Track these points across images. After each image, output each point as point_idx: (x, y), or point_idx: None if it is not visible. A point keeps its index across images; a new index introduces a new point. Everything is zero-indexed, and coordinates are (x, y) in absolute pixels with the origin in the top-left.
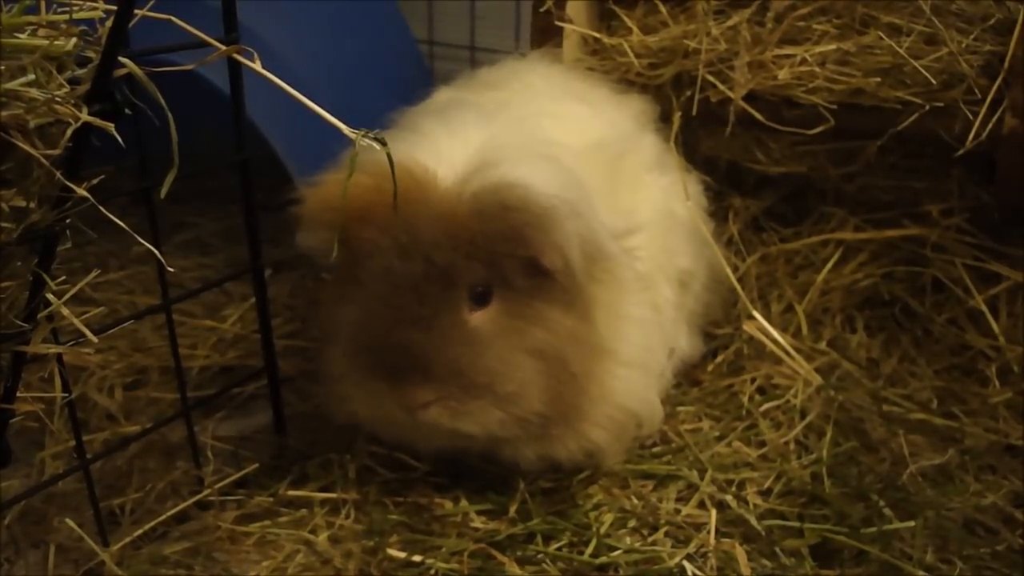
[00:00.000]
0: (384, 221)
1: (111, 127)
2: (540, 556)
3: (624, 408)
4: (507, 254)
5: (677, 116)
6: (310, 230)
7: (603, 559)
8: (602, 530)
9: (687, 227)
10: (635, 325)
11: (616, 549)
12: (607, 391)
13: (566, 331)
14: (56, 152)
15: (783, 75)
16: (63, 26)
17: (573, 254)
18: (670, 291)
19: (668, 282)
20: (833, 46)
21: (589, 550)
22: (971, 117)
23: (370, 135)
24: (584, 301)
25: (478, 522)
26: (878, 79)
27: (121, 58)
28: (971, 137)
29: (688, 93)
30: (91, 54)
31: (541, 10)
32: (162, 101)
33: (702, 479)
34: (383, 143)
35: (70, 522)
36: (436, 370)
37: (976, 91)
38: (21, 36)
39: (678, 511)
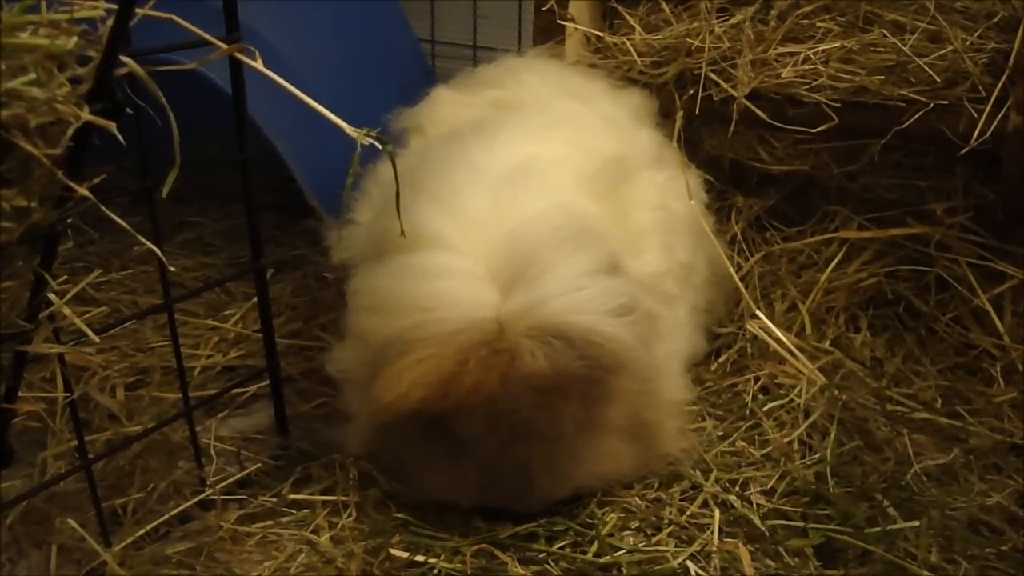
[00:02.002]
0: (486, 412)
1: (112, 126)
2: (543, 556)
3: (677, 403)
4: (587, 384)
5: (680, 115)
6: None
7: (606, 559)
8: (605, 530)
9: (684, 222)
10: (671, 333)
11: (619, 549)
12: (669, 397)
13: (635, 394)
14: (57, 151)
15: (786, 73)
16: (64, 25)
17: (642, 355)
18: (675, 287)
19: (672, 277)
20: (837, 44)
21: (592, 550)
22: (975, 115)
23: (372, 134)
24: (641, 361)
25: (480, 522)
26: (882, 77)
27: (122, 57)
28: (975, 135)
29: (691, 91)
30: (92, 53)
31: (543, 9)
32: (163, 100)
33: (705, 479)
34: (384, 143)
35: (72, 522)
36: (556, 492)
37: (980, 89)
38: (22, 35)
39: (681, 511)
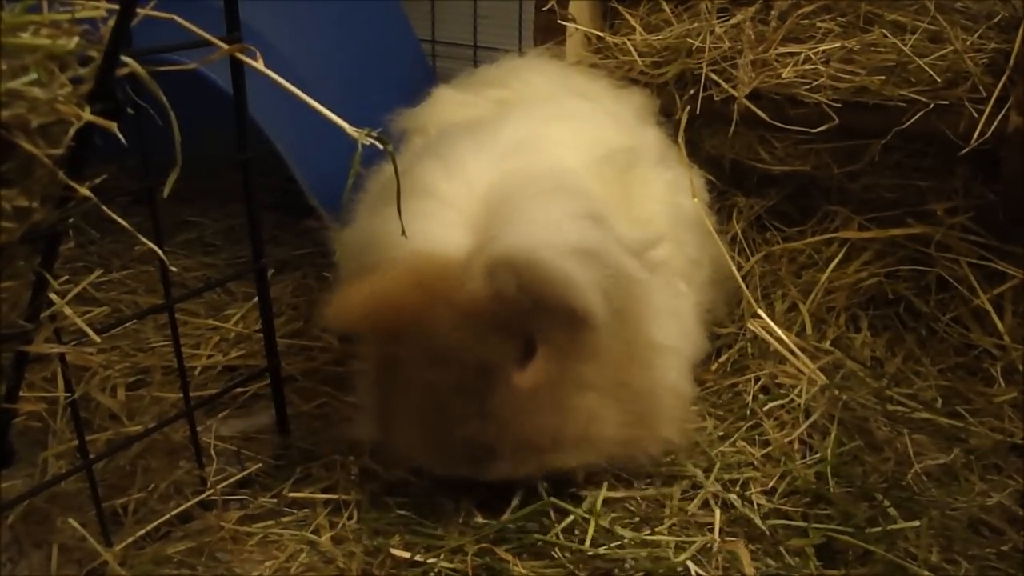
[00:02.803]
0: (410, 333)
1: (113, 126)
2: (544, 550)
3: (679, 393)
4: (539, 321)
5: (683, 114)
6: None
7: (606, 557)
8: (605, 521)
9: (691, 220)
10: (668, 315)
11: (619, 549)
12: (667, 384)
13: (617, 355)
14: (58, 151)
15: (787, 73)
16: (65, 25)
17: (599, 303)
18: (682, 283)
19: (679, 274)
20: (837, 44)
21: (592, 549)
22: (976, 115)
23: (372, 134)
24: (625, 321)
25: (480, 521)
26: (882, 77)
27: (123, 57)
28: (976, 135)
29: (691, 92)
30: (93, 53)
31: (544, 9)
32: (164, 100)
33: (706, 478)
34: (384, 143)
35: (73, 522)
36: (506, 448)
37: (981, 89)
38: (23, 35)
39: (682, 510)
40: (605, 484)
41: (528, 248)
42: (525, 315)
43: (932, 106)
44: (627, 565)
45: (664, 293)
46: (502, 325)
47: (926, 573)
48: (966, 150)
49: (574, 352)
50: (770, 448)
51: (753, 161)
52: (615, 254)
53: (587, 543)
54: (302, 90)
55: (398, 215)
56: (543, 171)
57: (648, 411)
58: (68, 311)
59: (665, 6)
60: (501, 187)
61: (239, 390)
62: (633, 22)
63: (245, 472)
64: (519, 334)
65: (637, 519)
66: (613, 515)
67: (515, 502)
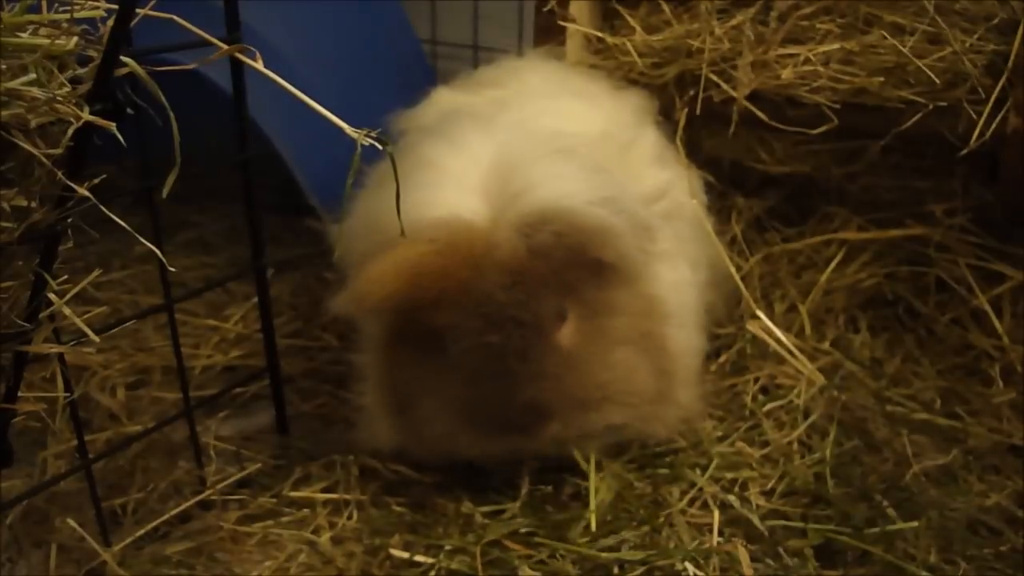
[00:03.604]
0: (461, 301)
1: (113, 126)
2: (543, 549)
3: (692, 365)
4: (573, 275)
5: (682, 115)
6: (357, 306)
7: (606, 557)
8: (604, 530)
9: (690, 220)
10: (678, 287)
11: (618, 549)
12: (681, 348)
13: (639, 307)
14: (58, 152)
15: (786, 74)
16: (65, 25)
17: (629, 245)
18: (687, 269)
19: (684, 258)
20: (836, 45)
21: (591, 549)
22: (975, 117)
23: (372, 134)
24: (640, 274)
25: (480, 521)
26: (882, 78)
27: (123, 57)
28: (975, 137)
29: (691, 92)
30: (93, 53)
31: (544, 9)
32: (164, 100)
33: (705, 479)
34: (385, 143)
35: (72, 522)
36: (556, 407)
37: (980, 91)
38: (23, 35)
39: (681, 511)
40: (606, 484)
41: (557, 201)
42: (562, 270)
43: (931, 107)
44: (626, 565)
45: (674, 268)
46: (546, 282)
47: (924, 574)
48: (965, 151)
49: (603, 308)
50: (769, 449)
51: (752, 162)
52: (631, 202)
53: (586, 543)
54: (301, 90)
55: (397, 216)
56: (545, 138)
57: (670, 371)
58: (67, 311)
59: (665, 7)
60: (506, 157)
61: (239, 390)
62: (633, 23)
63: (244, 472)
64: (559, 290)
65: (637, 519)
66: (613, 515)
67: (515, 502)
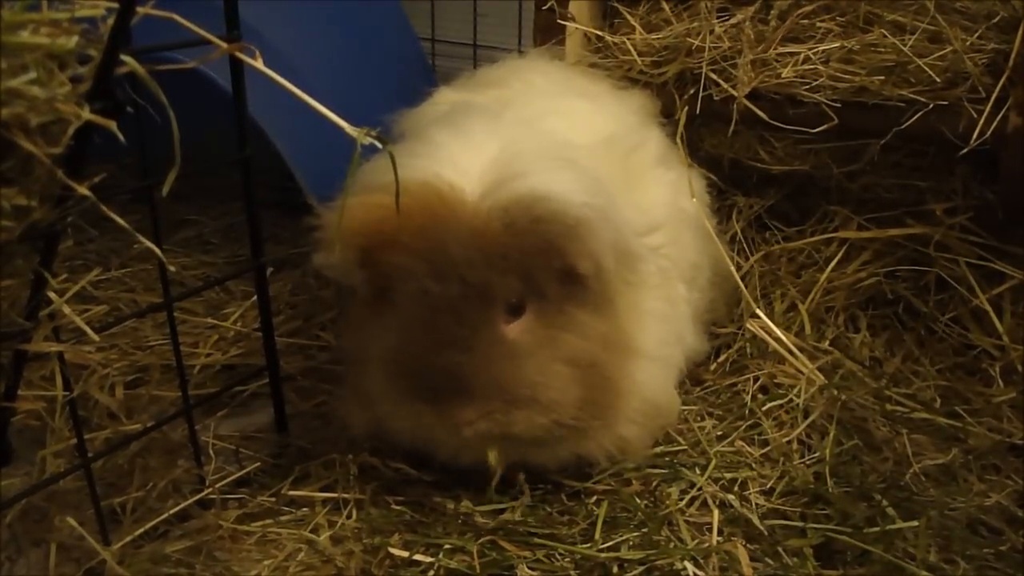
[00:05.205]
0: (414, 244)
1: (113, 125)
2: (543, 549)
3: (650, 401)
4: (541, 265)
5: (682, 114)
6: (332, 254)
7: (605, 557)
8: (603, 529)
9: (692, 222)
10: (655, 320)
11: (617, 549)
12: (636, 387)
13: (598, 335)
14: (58, 150)
15: (786, 73)
16: (65, 24)
17: (607, 260)
18: (682, 286)
19: (680, 277)
20: (837, 44)
21: (591, 549)
22: (975, 115)
23: (372, 133)
24: (612, 302)
25: (480, 521)
26: (882, 77)
27: (123, 56)
28: (975, 135)
29: (691, 91)
30: (93, 52)
31: (544, 8)
32: (164, 99)
33: (704, 479)
34: (385, 142)
35: (71, 520)
36: (479, 389)
37: (980, 89)
38: (23, 33)
39: (680, 510)
40: (605, 484)
41: (547, 191)
42: (531, 262)
43: (931, 106)
44: (625, 564)
45: (656, 299)
46: (508, 260)
47: (924, 573)
48: (965, 150)
49: (561, 321)
50: (769, 448)
51: (752, 161)
52: (623, 222)
53: (586, 543)
54: (301, 89)
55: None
56: (549, 145)
57: (611, 404)
58: (67, 309)
59: (665, 6)
60: (509, 152)
61: (238, 389)
62: (633, 21)
63: (244, 471)
64: (522, 280)
65: (636, 519)
66: (613, 515)
67: (515, 502)
